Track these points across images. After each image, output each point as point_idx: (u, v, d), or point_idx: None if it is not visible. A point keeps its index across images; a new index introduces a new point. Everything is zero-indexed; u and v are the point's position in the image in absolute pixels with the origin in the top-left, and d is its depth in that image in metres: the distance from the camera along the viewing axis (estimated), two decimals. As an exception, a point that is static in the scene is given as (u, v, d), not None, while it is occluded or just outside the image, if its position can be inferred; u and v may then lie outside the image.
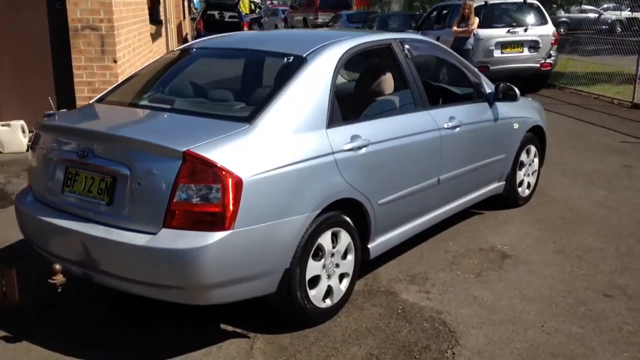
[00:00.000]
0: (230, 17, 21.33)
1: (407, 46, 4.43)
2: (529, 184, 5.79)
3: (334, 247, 3.69)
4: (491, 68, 11.62)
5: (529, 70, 12.15)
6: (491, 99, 5.05)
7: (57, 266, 3.34)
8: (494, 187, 5.34)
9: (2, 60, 7.75)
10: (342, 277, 3.83)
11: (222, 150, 3.15)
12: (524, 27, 11.94)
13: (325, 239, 3.61)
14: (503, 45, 11.89)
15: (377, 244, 4.07)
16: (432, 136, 4.34)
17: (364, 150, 3.79)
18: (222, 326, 3.71)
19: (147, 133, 3.43)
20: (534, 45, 11.95)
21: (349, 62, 4.03)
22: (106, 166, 3.32)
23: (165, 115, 3.72)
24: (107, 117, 4.01)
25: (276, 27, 34.13)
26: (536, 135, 5.77)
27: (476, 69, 5.16)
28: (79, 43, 7.63)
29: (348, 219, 3.76)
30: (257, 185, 3.19)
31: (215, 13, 21.52)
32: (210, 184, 3.08)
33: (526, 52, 11.99)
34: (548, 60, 12.07)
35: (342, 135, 3.68)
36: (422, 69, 4.92)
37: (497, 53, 11.84)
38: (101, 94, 4.23)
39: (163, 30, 14.09)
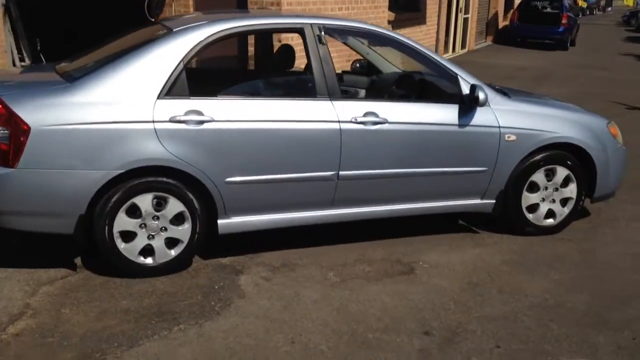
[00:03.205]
0: (552, 8, 20.10)
1: (324, 32, 4.29)
2: (551, 212, 4.91)
3: (158, 211, 3.96)
4: None
5: None
6: (467, 102, 4.50)
7: None
8: (472, 204, 4.75)
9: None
10: (175, 242, 4.06)
11: (22, 100, 3.72)
12: None
13: (142, 200, 3.91)
14: None
15: (230, 221, 4.16)
16: (323, 127, 4.17)
17: (204, 126, 3.93)
18: (77, 259, 4.27)
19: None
20: None
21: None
22: None
23: (47, 73, 4.38)
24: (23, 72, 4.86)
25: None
26: (577, 156, 4.85)
27: (454, 67, 4.59)
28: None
29: (186, 188, 3.96)
30: (49, 135, 3.70)
31: (539, 3, 20.46)
32: (4, 126, 3.70)
33: None
34: None
35: (175, 108, 3.89)
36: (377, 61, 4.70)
37: None
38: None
39: (429, 19, 14.28)
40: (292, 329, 3.50)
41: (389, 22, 12.00)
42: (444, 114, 4.48)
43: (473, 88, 4.41)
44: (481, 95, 4.35)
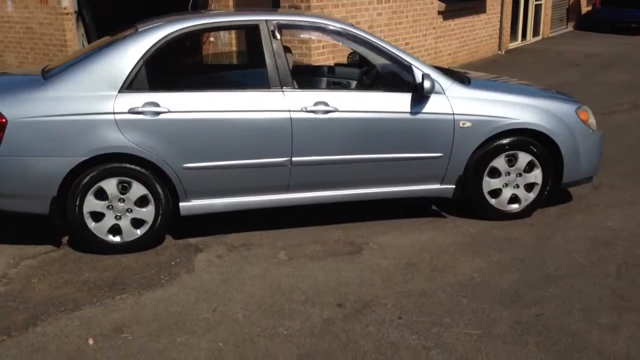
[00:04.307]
0: None
1: (278, 27, 4.60)
2: (515, 197, 5.02)
3: (123, 194, 4.45)
4: None
5: None
6: (419, 90, 4.70)
7: None
8: (432, 189, 4.94)
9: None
10: (140, 222, 4.54)
11: (3, 96, 4.31)
12: None
13: (108, 184, 4.40)
14: None
15: (191, 204, 4.58)
16: (274, 116, 4.50)
17: (160, 116, 4.38)
18: (65, 238, 4.83)
19: None
20: None
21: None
22: None
23: (38, 74, 4.92)
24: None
25: None
26: (544, 142, 4.94)
27: (408, 57, 4.79)
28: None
29: (147, 173, 4.43)
30: (24, 126, 4.25)
31: None
32: (-13, 120, 4.30)
33: None
34: None
35: (134, 100, 4.35)
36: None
37: None
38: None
39: (490, 7, 14.12)
40: (219, 300, 3.87)
41: (439, 12, 12.03)
42: (397, 102, 4.69)
43: (422, 77, 4.59)
44: (426, 84, 4.54)
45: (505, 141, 4.86)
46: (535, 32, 17.82)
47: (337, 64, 6.15)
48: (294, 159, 4.57)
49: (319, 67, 5.87)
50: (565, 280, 4.06)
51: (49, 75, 4.52)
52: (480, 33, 14.02)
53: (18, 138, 4.24)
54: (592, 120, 5.14)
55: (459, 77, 5.04)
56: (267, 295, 3.92)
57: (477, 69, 12.09)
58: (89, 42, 11.05)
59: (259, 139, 4.52)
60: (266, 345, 3.39)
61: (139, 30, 4.54)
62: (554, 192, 5.14)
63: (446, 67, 6.03)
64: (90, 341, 3.44)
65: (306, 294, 3.93)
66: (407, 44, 11.13)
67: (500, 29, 14.99)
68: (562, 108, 5.03)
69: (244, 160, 4.53)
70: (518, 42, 16.72)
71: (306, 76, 5.30)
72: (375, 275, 4.14)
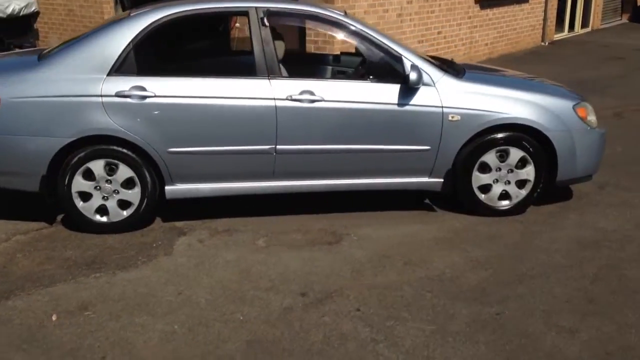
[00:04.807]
0: None
1: (268, 14, 4.62)
2: (506, 193, 4.94)
3: (110, 176, 4.58)
4: None
5: None
6: (407, 82, 4.66)
7: None
8: (420, 182, 4.90)
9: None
10: (127, 203, 4.67)
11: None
12: None
13: (95, 165, 4.53)
14: None
15: (176, 188, 4.68)
16: (259, 104, 4.54)
17: (146, 100, 4.48)
18: (60, 216, 4.99)
19: None
20: None
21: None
22: None
23: (34, 56, 5.08)
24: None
25: None
26: (537, 139, 4.85)
27: (399, 48, 4.74)
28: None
29: (134, 156, 4.54)
30: (16, 105, 4.41)
31: None
32: (-20, 99, 4.47)
33: None
34: None
35: (121, 84, 4.45)
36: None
37: None
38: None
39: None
40: (187, 283, 3.95)
41: (476, 1, 11.80)
42: (384, 93, 4.66)
43: (410, 68, 4.55)
44: (412, 76, 4.49)
45: (496, 136, 4.77)
46: (584, 24, 17.32)
47: (342, 53, 6.13)
48: (278, 147, 4.60)
49: (315, 56, 5.88)
50: (537, 280, 3.99)
51: (44, 57, 4.65)
52: (521, 23, 13.70)
53: (10, 117, 4.39)
54: (591, 117, 5.00)
55: (454, 69, 4.97)
56: (235, 281, 3.97)
57: (516, 60, 11.92)
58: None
59: (244, 126, 4.56)
60: (219, 329, 3.45)
61: (131, 15, 4.63)
62: (549, 190, 5.02)
63: (449, 58, 5.91)
64: (54, 317, 3.56)
65: (273, 281, 3.97)
66: (439, 33, 11.00)
67: (545, 19, 14.61)
68: (558, 103, 4.91)
69: (228, 147, 4.58)
70: (564, 34, 16.28)
71: (298, 65, 5.30)
72: (346, 267, 4.15)
